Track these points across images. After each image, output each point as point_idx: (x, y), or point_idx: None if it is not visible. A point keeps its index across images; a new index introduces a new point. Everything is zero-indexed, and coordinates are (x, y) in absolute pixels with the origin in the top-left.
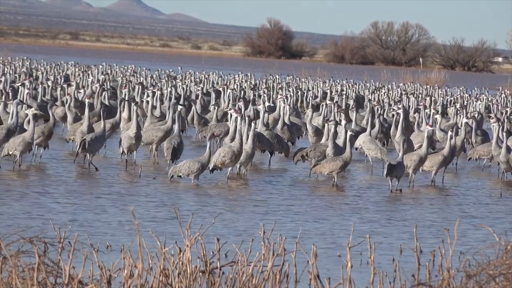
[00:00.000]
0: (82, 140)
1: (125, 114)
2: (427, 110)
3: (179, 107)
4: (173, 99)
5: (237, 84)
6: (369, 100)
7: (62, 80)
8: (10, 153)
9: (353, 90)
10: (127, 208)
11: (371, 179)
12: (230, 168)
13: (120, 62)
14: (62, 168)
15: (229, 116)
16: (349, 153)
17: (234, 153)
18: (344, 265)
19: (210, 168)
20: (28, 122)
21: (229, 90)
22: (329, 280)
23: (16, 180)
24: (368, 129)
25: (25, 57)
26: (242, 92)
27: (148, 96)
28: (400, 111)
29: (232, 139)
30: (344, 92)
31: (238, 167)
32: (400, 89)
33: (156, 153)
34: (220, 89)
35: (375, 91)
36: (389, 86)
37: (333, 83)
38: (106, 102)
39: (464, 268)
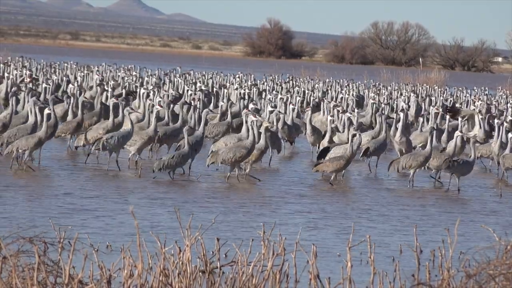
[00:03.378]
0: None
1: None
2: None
3: (206, 110)
4: (170, 98)
5: (237, 84)
6: (375, 102)
7: (65, 80)
8: (20, 151)
9: (353, 89)
10: (127, 208)
11: (371, 178)
12: (234, 168)
13: (120, 62)
14: (61, 168)
15: (246, 118)
16: (350, 152)
17: (248, 151)
18: (344, 265)
19: (208, 163)
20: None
21: (230, 90)
22: (329, 280)
23: (15, 179)
24: (383, 132)
25: (25, 57)
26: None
27: (148, 96)
28: (401, 112)
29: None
30: (345, 92)
31: (246, 165)
32: (400, 89)
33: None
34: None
35: (375, 92)
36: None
37: (334, 83)
38: (107, 103)
39: (464, 268)
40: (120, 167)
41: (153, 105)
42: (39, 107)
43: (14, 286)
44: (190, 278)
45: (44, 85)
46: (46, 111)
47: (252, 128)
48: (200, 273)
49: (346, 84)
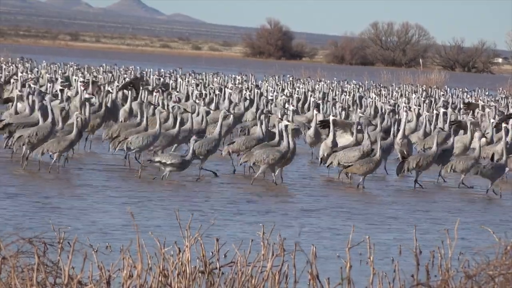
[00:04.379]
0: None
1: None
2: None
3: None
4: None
5: (238, 86)
6: (389, 106)
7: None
8: (50, 153)
9: (353, 90)
10: (126, 209)
11: (371, 178)
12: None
13: (120, 63)
14: (61, 168)
15: (278, 123)
16: (380, 155)
17: (282, 155)
18: (344, 266)
19: (241, 162)
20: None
21: (228, 91)
22: (328, 280)
23: (16, 180)
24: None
25: (25, 58)
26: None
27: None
28: (404, 113)
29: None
30: (345, 93)
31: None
32: (400, 89)
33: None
34: (232, 89)
35: (376, 93)
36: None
37: (336, 84)
38: (109, 105)
39: (463, 268)
40: (120, 167)
41: (178, 108)
42: (62, 110)
43: (13, 286)
44: (189, 278)
45: (59, 86)
46: (79, 115)
47: (287, 134)
48: (200, 274)
49: (344, 85)
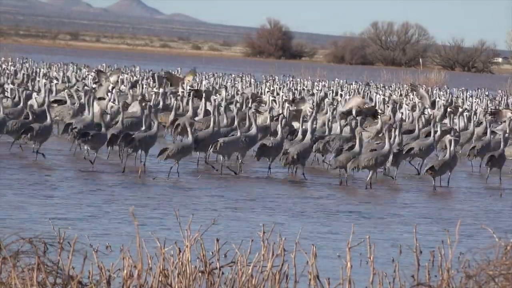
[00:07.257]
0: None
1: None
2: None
3: (231, 106)
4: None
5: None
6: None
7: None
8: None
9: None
10: (127, 208)
11: (373, 179)
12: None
13: (120, 62)
14: (62, 168)
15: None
16: (450, 155)
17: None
18: (344, 266)
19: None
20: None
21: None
22: (329, 280)
23: (16, 180)
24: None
25: (25, 57)
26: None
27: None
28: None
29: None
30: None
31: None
32: (400, 89)
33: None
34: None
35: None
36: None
37: (338, 83)
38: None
39: (463, 268)
40: (118, 168)
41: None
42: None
43: (13, 286)
44: (189, 278)
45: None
46: (190, 121)
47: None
48: (200, 274)
49: (347, 86)
